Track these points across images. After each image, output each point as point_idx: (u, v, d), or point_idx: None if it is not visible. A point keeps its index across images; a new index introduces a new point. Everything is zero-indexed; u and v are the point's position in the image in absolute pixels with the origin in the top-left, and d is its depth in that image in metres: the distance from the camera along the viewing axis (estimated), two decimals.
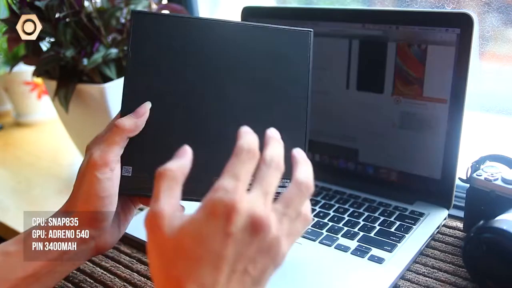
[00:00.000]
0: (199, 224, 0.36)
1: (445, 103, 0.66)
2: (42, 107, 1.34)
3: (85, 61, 0.85)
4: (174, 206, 0.38)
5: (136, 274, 0.63)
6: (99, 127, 0.88)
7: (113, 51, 0.86)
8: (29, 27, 0.76)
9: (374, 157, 0.75)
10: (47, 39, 0.88)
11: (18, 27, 0.76)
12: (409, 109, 0.70)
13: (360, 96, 0.74)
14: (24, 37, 0.76)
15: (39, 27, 0.77)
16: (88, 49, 0.86)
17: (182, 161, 0.40)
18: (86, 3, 0.85)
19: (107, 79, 0.86)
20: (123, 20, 0.89)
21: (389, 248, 0.62)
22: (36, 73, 0.89)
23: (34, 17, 0.76)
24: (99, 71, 0.86)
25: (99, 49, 0.85)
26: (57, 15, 0.82)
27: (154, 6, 0.89)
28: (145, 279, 0.62)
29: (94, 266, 0.65)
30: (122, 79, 0.86)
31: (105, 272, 0.64)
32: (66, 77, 0.86)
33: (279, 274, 0.40)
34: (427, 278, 0.58)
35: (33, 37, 0.77)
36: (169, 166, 0.39)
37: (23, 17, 0.76)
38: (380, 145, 0.74)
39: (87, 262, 0.66)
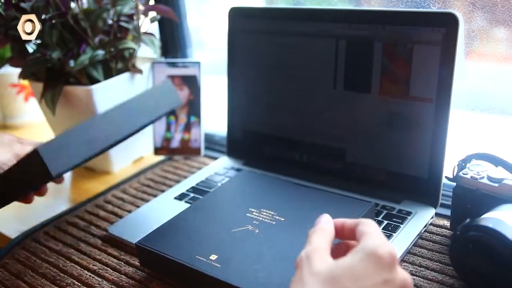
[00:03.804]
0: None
1: (431, 102, 0.67)
2: (29, 109, 1.33)
3: (71, 63, 0.84)
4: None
5: (124, 277, 0.63)
6: None
7: (100, 52, 0.85)
8: (28, 27, 0.76)
9: (362, 156, 0.75)
10: (33, 40, 0.88)
11: (19, 27, 0.76)
12: (396, 109, 0.70)
13: (347, 96, 0.74)
14: (24, 37, 0.76)
15: (38, 27, 0.76)
16: (75, 50, 0.85)
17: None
18: (72, 5, 0.85)
19: (94, 81, 0.86)
20: (110, 22, 0.88)
21: None
22: (22, 75, 0.88)
23: (33, 17, 0.76)
24: (86, 73, 0.86)
25: (86, 51, 0.85)
26: (43, 17, 0.82)
27: (141, 7, 0.89)
28: (134, 281, 0.62)
29: (82, 269, 0.65)
30: (109, 81, 0.86)
31: (92, 275, 0.64)
32: (53, 79, 0.86)
33: None
34: (414, 277, 0.58)
35: (32, 37, 0.76)
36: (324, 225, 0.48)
37: (24, 17, 0.76)
38: (367, 144, 0.74)
39: (75, 265, 0.66)
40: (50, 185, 0.73)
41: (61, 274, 0.64)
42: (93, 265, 0.65)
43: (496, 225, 0.51)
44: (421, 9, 0.74)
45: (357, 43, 0.72)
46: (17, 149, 0.71)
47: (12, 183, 0.66)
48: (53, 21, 0.83)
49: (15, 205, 0.70)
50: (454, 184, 0.63)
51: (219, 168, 0.87)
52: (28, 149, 0.73)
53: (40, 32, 0.82)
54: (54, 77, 0.86)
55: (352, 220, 0.48)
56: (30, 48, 0.89)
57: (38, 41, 0.87)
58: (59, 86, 0.84)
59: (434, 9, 0.75)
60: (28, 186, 0.67)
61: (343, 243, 0.50)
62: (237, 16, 0.85)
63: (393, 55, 0.69)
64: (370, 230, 0.44)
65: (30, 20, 0.76)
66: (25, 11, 0.80)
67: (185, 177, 0.87)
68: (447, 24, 0.64)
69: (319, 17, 0.75)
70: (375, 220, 0.66)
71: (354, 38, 0.72)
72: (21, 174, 0.64)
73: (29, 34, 0.76)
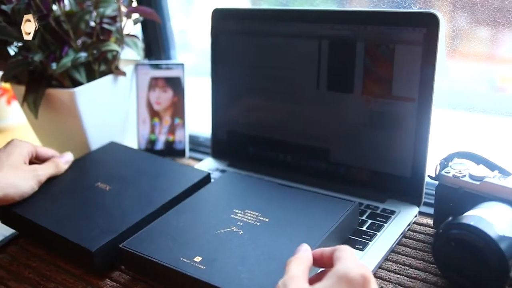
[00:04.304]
0: None
1: (414, 101, 0.67)
2: (12, 113, 1.32)
3: (54, 66, 0.83)
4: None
5: (109, 280, 0.62)
6: (70, 132, 0.88)
7: (83, 55, 0.85)
8: (30, 27, 0.75)
9: (345, 156, 0.75)
10: (14, 43, 0.87)
11: (22, 28, 0.75)
12: (379, 108, 0.71)
13: (330, 96, 0.74)
14: (26, 37, 0.75)
15: (35, 26, 0.75)
16: (57, 53, 0.85)
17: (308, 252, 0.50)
18: (54, 7, 0.84)
19: (76, 83, 0.85)
20: (92, 24, 0.88)
21: (361, 247, 0.62)
22: (4, 78, 0.87)
23: (31, 16, 0.75)
24: (68, 75, 0.85)
25: (68, 53, 0.84)
26: None
27: (124, 9, 0.88)
28: (118, 285, 0.61)
29: (65, 273, 0.64)
30: (92, 83, 0.86)
31: (77, 279, 0.63)
32: (35, 82, 0.85)
33: None
34: (398, 275, 0.59)
35: (30, 37, 0.75)
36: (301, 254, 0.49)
37: (25, 17, 0.75)
38: (351, 144, 0.74)
39: (58, 269, 0.65)
40: None
41: (45, 279, 0.64)
42: (77, 269, 0.65)
43: (478, 223, 0.51)
44: (402, 9, 0.75)
45: (340, 43, 0.72)
46: (41, 173, 0.72)
47: (54, 241, 0.66)
48: None
49: None
50: (437, 182, 0.64)
51: (204, 169, 0.87)
52: (49, 171, 0.74)
53: (22, 34, 0.82)
54: (36, 80, 0.85)
55: (329, 248, 0.49)
56: (12, 51, 0.88)
57: (20, 44, 0.86)
58: (41, 89, 0.84)
59: (415, 9, 0.75)
60: (64, 254, 0.68)
61: (326, 270, 0.51)
62: (220, 17, 0.85)
63: (375, 55, 0.69)
64: (343, 255, 0.46)
65: (29, 20, 0.75)
66: (6, 14, 0.80)
67: None
68: (427, 24, 0.64)
69: (302, 18, 0.75)
70: (359, 219, 0.67)
71: (337, 38, 0.72)
72: (66, 249, 0.65)
73: (29, 34, 0.75)
